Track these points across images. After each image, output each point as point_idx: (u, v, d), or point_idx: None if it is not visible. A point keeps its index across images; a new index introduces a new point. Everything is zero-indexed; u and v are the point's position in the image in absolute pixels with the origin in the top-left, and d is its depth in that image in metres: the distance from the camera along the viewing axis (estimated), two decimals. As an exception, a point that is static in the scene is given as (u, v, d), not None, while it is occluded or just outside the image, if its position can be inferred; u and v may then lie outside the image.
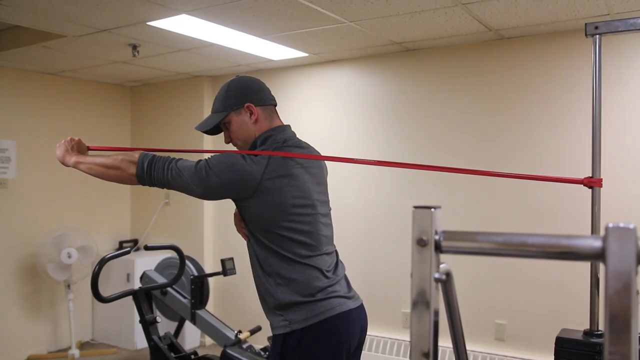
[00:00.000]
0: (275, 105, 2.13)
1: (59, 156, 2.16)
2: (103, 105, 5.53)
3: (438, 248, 0.78)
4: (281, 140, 2.02)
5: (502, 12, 3.22)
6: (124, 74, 5.11)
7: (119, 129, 5.67)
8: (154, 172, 1.96)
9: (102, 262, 3.04)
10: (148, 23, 3.42)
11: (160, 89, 5.54)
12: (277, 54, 4.28)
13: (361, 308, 2.06)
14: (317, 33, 3.68)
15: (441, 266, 0.81)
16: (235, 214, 2.09)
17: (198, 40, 3.85)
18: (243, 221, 2.03)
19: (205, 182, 1.91)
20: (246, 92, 2.05)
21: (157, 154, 2.04)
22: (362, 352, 2.15)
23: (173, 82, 5.42)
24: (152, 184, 1.99)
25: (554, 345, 1.90)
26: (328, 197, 2.14)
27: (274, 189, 1.90)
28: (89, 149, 2.24)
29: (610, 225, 0.66)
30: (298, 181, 1.95)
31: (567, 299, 3.57)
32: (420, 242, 0.78)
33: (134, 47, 3.97)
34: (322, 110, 4.61)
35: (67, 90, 5.21)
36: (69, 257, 4.69)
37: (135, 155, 2.00)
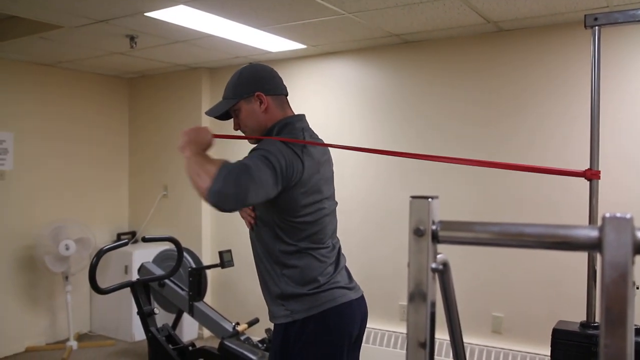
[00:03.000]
0: (287, 94, 2.12)
1: (181, 145, 1.94)
2: (101, 96, 5.51)
3: (435, 238, 0.78)
4: (299, 129, 2.01)
5: (501, 4, 3.21)
6: (122, 66, 5.09)
7: (117, 120, 5.65)
8: (232, 183, 1.69)
9: (100, 253, 3.04)
10: (146, 14, 3.40)
11: (158, 80, 5.52)
12: (275, 46, 4.27)
13: (362, 299, 2.08)
14: (315, 24, 3.67)
15: (438, 256, 0.81)
16: None
17: (196, 32, 3.84)
18: (252, 208, 2.02)
19: (279, 178, 1.80)
20: (257, 80, 2.03)
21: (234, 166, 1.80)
22: (360, 343, 2.17)
23: (171, 74, 5.40)
24: (224, 201, 1.70)
25: (550, 337, 1.91)
26: (334, 191, 2.14)
27: (306, 179, 1.90)
28: (213, 136, 2.01)
29: (607, 215, 0.66)
30: (317, 173, 1.96)
31: (564, 291, 3.58)
32: (418, 232, 0.77)
33: (132, 39, 3.95)
34: (320, 102, 4.60)
35: (65, 81, 5.19)
36: (67, 249, 4.68)
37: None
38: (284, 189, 1.85)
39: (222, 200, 1.69)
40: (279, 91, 2.07)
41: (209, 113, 2.10)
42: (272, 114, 2.03)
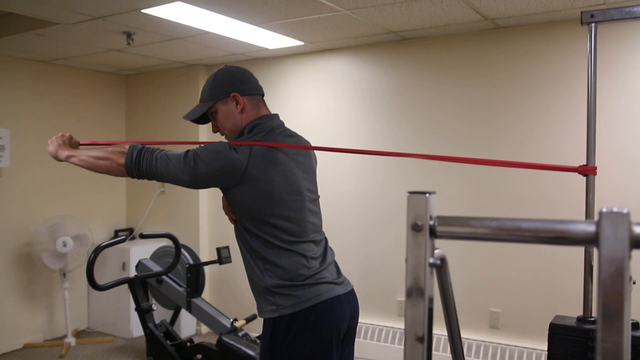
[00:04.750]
0: (263, 95, 2.15)
1: (52, 152, 2.16)
2: (98, 93, 5.50)
3: (433, 233, 0.78)
4: (268, 128, 2.04)
5: (498, 1, 3.21)
6: (119, 63, 5.08)
7: (114, 117, 5.64)
8: (142, 161, 1.95)
9: (98, 250, 3.04)
10: (142, 11, 3.40)
11: (155, 77, 5.51)
12: (272, 43, 4.26)
13: (351, 293, 2.08)
14: (312, 21, 3.66)
15: (436, 251, 0.81)
16: (223, 198, 2.11)
17: (193, 29, 3.83)
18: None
19: (193, 171, 1.92)
20: (233, 81, 2.06)
21: (151, 146, 2.03)
22: (357, 339, 2.17)
23: (168, 71, 5.39)
24: (140, 174, 1.97)
25: (547, 332, 1.92)
26: (316, 186, 2.15)
27: (260, 177, 1.91)
28: (80, 144, 2.25)
29: (604, 209, 0.66)
30: (284, 168, 1.97)
31: (561, 287, 3.59)
32: (415, 227, 0.78)
33: (129, 35, 3.94)
34: (318, 99, 4.60)
35: (62, 78, 5.18)
36: (64, 245, 4.68)
37: (126, 146, 2.01)
38: (226, 187, 1.97)
39: (140, 170, 1.96)
40: (255, 91, 2.10)
41: (186, 117, 2.14)
42: (247, 114, 2.06)
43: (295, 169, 2.01)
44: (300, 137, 2.18)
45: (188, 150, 1.95)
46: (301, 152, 2.09)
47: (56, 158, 2.16)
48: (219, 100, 2.05)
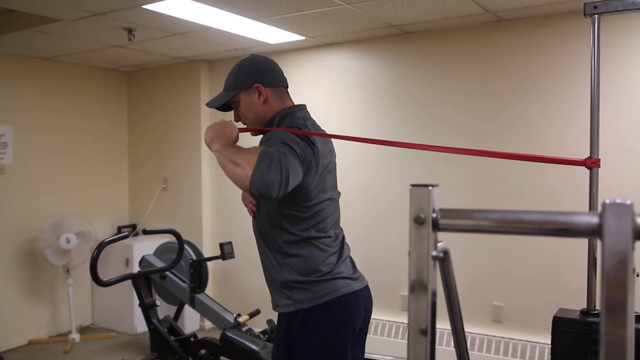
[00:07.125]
0: (287, 86, 2.12)
1: (207, 140, 1.92)
2: (99, 90, 5.50)
3: (436, 226, 0.78)
4: (300, 118, 2.01)
5: (500, -7, 3.20)
6: (120, 59, 5.07)
7: (116, 114, 5.64)
8: (275, 169, 1.67)
9: (101, 246, 3.05)
10: (144, 6, 3.39)
11: (157, 73, 5.51)
12: (273, 38, 4.26)
13: (366, 289, 2.08)
14: (313, 16, 3.65)
15: (439, 244, 0.81)
16: None
17: (194, 24, 3.82)
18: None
19: (303, 166, 1.81)
20: (257, 72, 2.04)
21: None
22: (361, 334, 2.17)
23: (170, 67, 5.39)
24: (268, 187, 1.66)
25: (551, 326, 1.92)
26: (337, 181, 2.14)
27: (313, 170, 1.90)
28: (239, 131, 1.99)
29: (607, 201, 0.65)
30: (320, 163, 1.96)
31: (564, 281, 3.59)
32: (418, 220, 0.77)
33: (130, 31, 3.94)
34: (320, 94, 4.59)
35: (63, 75, 5.17)
36: (68, 242, 4.69)
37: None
38: None
39: (266, 186, 1.66)
40: (278, 83, 2.08)
41: (209, 104, 2.11)
42: (271, 105, 2.04)
43: (324, 165, 2.00)
44: (324, 130, 2.16)
45: (271, 151, 1.72)
46: (329, 147, 2.09)
47: (209, 148, 1.93)
48: (242, 90, 2.02)
